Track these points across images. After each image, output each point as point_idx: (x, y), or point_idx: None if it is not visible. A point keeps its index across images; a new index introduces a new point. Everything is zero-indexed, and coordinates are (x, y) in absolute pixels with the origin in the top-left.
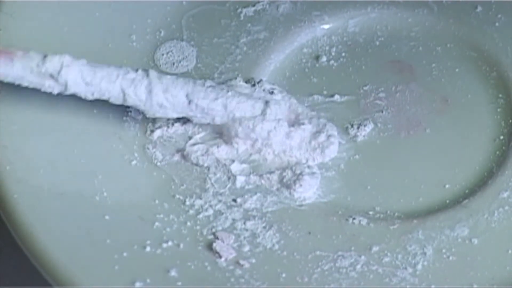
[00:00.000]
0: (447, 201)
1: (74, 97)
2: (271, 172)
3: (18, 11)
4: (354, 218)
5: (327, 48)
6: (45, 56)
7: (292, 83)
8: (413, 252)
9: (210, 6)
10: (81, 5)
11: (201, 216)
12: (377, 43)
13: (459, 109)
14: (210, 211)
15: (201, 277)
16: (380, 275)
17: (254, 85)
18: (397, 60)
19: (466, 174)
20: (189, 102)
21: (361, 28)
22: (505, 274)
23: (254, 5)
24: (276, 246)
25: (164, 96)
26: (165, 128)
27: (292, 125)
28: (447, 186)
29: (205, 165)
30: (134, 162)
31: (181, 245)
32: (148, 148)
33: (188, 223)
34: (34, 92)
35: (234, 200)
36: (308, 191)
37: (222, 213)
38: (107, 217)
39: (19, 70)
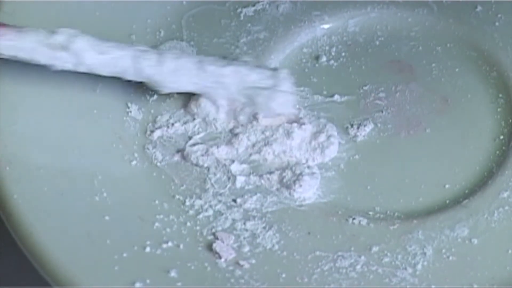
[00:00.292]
0: (447, 201)
1: (74, 97)
2: (271, 172)
3: (18, 11)
4: (354, 218)
5: (327, 48)
6: (53, 31)
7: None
8: (413, 252)
9: (210, 6)
10: (81, 5)
11: (201, 216)
12: (377, 43)
13: (459, 109)
14: (210, 212)
15: (201, 277)
16: (380, 275)
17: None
18: (397, 60)
19: (466, 174)
20: (200, 67)
21: (361, 28)
22: (505, 274)
23: (254, 5)
24: (276, 247)
25: (175, 62)
26: (165, 128)
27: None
28: (447, 186)
29: (205, 165)
30: (134, 162)
31: (181, 246)
32: (148, 148)
33: (188, 224)
34: (34, 92)
35: (234, 201)
36: (308, 191)
37: (222, 214)
38: (107, 217)
39: (31, 41)
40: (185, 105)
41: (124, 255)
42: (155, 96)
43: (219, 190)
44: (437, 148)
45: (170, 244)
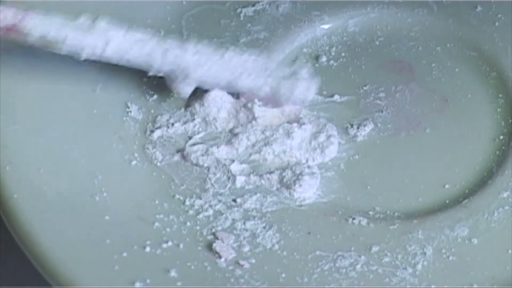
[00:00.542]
0: (447, 201)
1: (74, 97)
2: (271, 172)
3: None
4: (354, 218)
5: (326, 48)
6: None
7: None
8: (413, 252)
9: (210, 6)
10: (81, 5)
11: (201, 216)
12: (377, 43)
13: (459, 109)
14: (210, 211)
15: (201, 277)
16: (380, 275)
17: None
18: (397, 60)
19: (466, 174)
20: (221, 57)
21: (361, 28)
22: (505, 274)
23: (254, 5)
24: (276, 246)
25: (197, 50)
26: (165, 128)
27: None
28: (447, 186)
29: (205, 165)
30: (134, 162)
31: (181, 245)
32: (148, 148)
33: (188, 223)
34: (34, 92)
35: (234, 200)
36: (308, 191)
37: (222, 213)
38: (107, 217)
39: (59, 22)
40: (185, 105)
41: (124, 254)
42: (155, 96)
43: (219, 190)
44: (437, 148)
45: (170, 243)
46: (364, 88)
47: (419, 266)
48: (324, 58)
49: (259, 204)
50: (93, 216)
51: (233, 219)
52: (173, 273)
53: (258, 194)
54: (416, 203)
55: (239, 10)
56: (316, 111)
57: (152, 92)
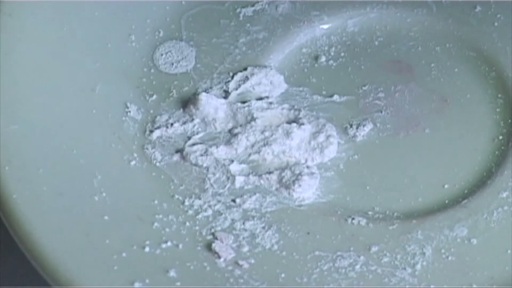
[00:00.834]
0: (446, 201)
1: (73, 97)
2: (270, 172)
3: (18, 11)
4: (353, 218)
5: (326, 48)
6: None
7: (291, 83)
8: (412, 252)
9: (209, 6)
10: (81, 5)
11: (200, 216)
12: (376, 43)
13: (458, 109)
14: (209, 212)
15: (200, 277)
16: (379, 275)
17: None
18: (396, 60)
19: (465, 174)
20: None
21: (360, 28)
22: (505, 274)
23: (253, 5)
24: (275, 247)
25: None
26: (164, 129)
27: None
28: (446, 186)
29: (204, 165)
30: (133, 162)
31: (180, 246)
32: (147, 148)
33: (187, 224)
34: (33, 92)
35: (233, 201)
36: (307, 191)
37: (221, 214)
38: (106, 217)
39: None
40: (184, 105)
41: (123, 255)
42: (154, 96)
43: (218, 190)
44: (436, 148)
45: (169, 244)
46: (364, 88)
47: (418, 266)
48: (323, 58)
49: (258, 204)
50: (92, 216)
51: (232, 219)
52: (172, 273)
53: (257, 194)
54: (415, 203)
55: (238, 10)
56: (315, 111)
57: (152, 92)
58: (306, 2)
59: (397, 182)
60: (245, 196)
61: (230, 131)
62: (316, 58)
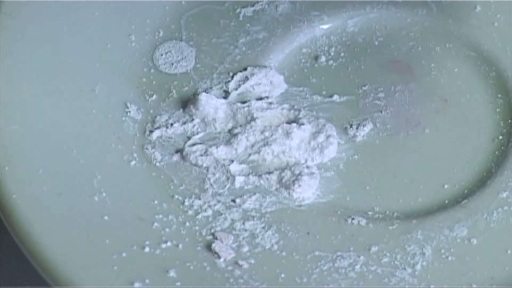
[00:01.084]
0: (446, 201)
1: (73, 97)
2: (270, 173)
3: (18, 11)
4: (353, 218)
5: (326, 48)
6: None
7: (291, 83)
8: (412, 252)
9: (209, 6)
10: (81, 5)
11: (200, 216)
12: (376, 43)
13: (458, 109)
14: (209, 212)
15: (200, 277)
16: (379, 275)
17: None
18: (396, 60)
19: (465, 174)
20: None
21: (360, 28)
22: (504, 274)
23: (253, 5)
24: (275, 247)
25: None
26: (164, 129)
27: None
28: (446, 186)
29: (204, 165)
30: (133, 163)
31: (180, 246)
32: (147, 149)
33: (187, 224)
34: (33, 92)
35: (233, 201)
36: (307, 192)
37: (221, 214)
38: (106, 217)
39: None
40: (184, 106)
41: (123, 255)
42: (154, 96)
43: (218, 190)
44: (436, 148)
45: (169, 244)
46: (363, 88)
47: (418, 266)
48: (323, 58)
49: (258, 204)
50: (92, 216)
51: (232, 219)
52: (172, 273)
53: (257, 194)
54: (415, 203)
55: (238, 10)
56: (315, 111)
57: (151, 92)
58: (306, 2)
59: (397, 182)
60: (245, 196)
61: (230, 131)
62: (316, 58)
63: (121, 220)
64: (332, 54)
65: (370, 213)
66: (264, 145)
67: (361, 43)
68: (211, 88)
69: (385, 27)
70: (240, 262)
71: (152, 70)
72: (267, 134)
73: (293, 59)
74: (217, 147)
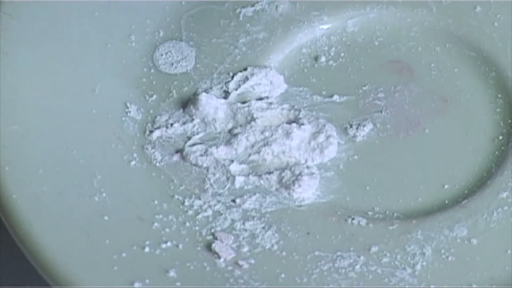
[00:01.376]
0: (446, 201)
1: (73, 97)
2: (270, 173)
3: (18, 11)
4: (353, 219)
5: (326, 48)
6: None
7: (291, 83)
8: (412, 253)
9: (209, 6)
10: (81, 5)
11: (200, 216)
12: (376, 43)
13: (458, 109)
14: (209, 212)
15: (200, 277)
16: (379, 275)
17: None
18: (396, 60)
19: (465, 174)
20: None
21: (360, 28)
22: (504, 274)
23: (253, 5)
24: (275, 247)
25: None
26: (164, 129)
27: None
28: (446, 186)
29: (204, 165)
30: (133, 163)
31: (180, 246)
32: (147, 149)
33: (187, 224)
34: (33, 92)
35: (233, 201)
36: (307, 192)
37: (221, 214)
38: (106, 217)
39: None
40: (184, 106)
41: (123, 255)
42: (154, 96)
43: (218, 190)
44: (436, 149)
45: (169, 244)
46: (363, 88)
47: (418, 267)
48: (323, 58)
49: (258, 205)
50: (92, 216)
51: (232, 220)
52: (172, 273)
53: (257, 195)
54: (415, 203)
55: (238, 10)
56: (315, 112)
57: (151, 92)
58: (306, 2)
59: (397, 182)
60: (245, 196)
61: (230, 131)
62: (316, 58)
63: (121, 220)
64: (332, 54)
65: (370, 213)
66: (264, 145)
67: (361, 43)
68: (211, 88)
69: (385, 27)
70: (240, 262)
71: (152, 70)
72: (267, 134)
73: (293, 59)
74: (217, 147)
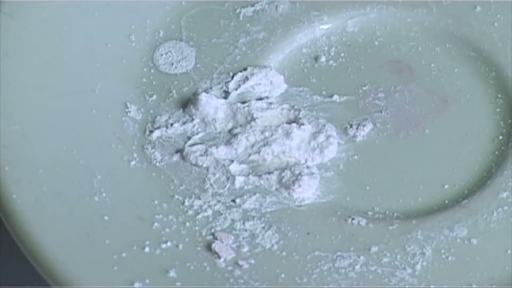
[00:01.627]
0: (446, 201)
1: (73, 97)
2: (270, 173)
3: (18, 11)
4: (353, 219)
5: (326, 48)
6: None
7: (291, 83)
8: (412, 253)
9: (209, 6)
10: (81, 5)
11: (200, 216)
12: (376, 43)
13: (458, 109)
14: (209, 212)
15: (200, 277)
16: (379, 275)
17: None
18: (396, 60)
19: (465, 174)
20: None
21: (360, 28)
22: (504, 274)
23: (253, 5)
24: (275, 247)
25: None
26: (164, 129)
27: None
28: (446, 186)
29: (204, 165)
30: (133, 163)
31: (180, 246)
32: (147, 149)
33: (187, 224)
34: (33, 92)
35: (233, 201)
36: (307, 192)
37: (221, 214)
38: (106, 217)
39: None
40: (184, 106)
41: (123, 255)
42: (154, 96)
43: (218, 190)
44: (436, 149)
45: (169, 244)
46: (363, 88)
47: (418, 267)
48: (323, 58)
49: (258, 205)
50: (92, 216)
51: (232, 219)
52: (172, 273)
53: (257, 195)
54: (415, 203)
55: (238, 10)
56: (315, 112)
57: (151, 92)
58: (306, 2)
59: (397, 182)
60: (245, 196)
61: (230, 131)
62: (316, 58)
63: (121, 220)
64: (332, 54)
65: (370, 213)
66: (264, 145)
67: (361, 43)
68: (211, 88)
69: (385, 27)
70: (240, 262)
71: (152, 70)
72: (267, 134)
73: (293, 59)
74: (217, 147)
